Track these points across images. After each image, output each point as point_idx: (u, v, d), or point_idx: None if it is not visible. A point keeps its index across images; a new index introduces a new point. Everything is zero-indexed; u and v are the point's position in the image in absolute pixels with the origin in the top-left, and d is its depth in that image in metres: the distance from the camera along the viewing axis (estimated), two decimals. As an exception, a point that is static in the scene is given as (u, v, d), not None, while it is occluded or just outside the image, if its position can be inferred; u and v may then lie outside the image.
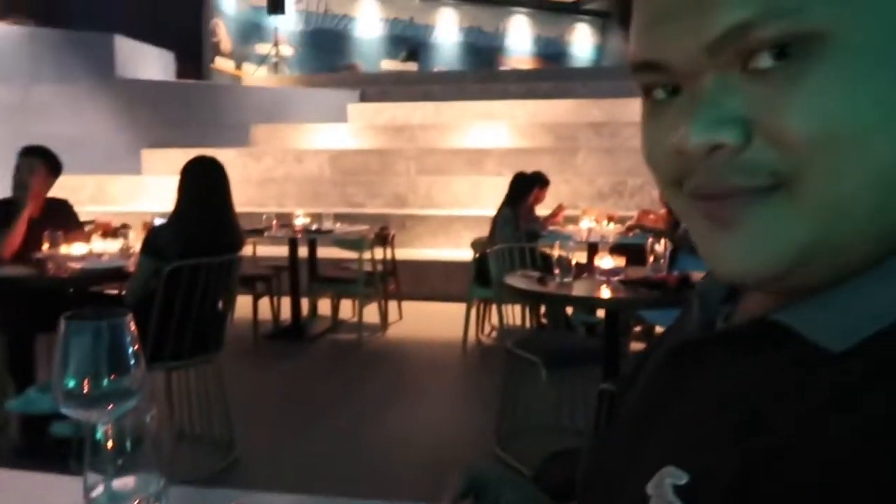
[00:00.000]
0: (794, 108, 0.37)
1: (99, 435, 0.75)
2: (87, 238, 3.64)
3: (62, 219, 3.55)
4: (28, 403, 3.08)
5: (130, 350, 0.85)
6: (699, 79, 0.40)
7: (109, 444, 0.75)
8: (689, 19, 0.39)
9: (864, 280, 0.40)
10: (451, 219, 7.30)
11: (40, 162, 3.47)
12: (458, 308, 5.03)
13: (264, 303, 5.14)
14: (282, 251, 5.44)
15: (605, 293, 2.50)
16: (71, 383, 0.82)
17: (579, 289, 2.57)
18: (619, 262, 2.67)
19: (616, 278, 2.59)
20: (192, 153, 3.32)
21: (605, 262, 2.65)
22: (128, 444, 0.76)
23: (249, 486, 2.80)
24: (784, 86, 0.37)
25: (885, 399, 0.36)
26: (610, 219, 5.16)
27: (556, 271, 2.63)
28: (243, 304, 4.37)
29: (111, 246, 3.67)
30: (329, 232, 5.20)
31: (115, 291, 3.59)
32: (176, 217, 3.01)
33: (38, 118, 8.28)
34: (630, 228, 4.72)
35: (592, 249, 4.69)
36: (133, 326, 0.85)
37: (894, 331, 0.38)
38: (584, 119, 9.55)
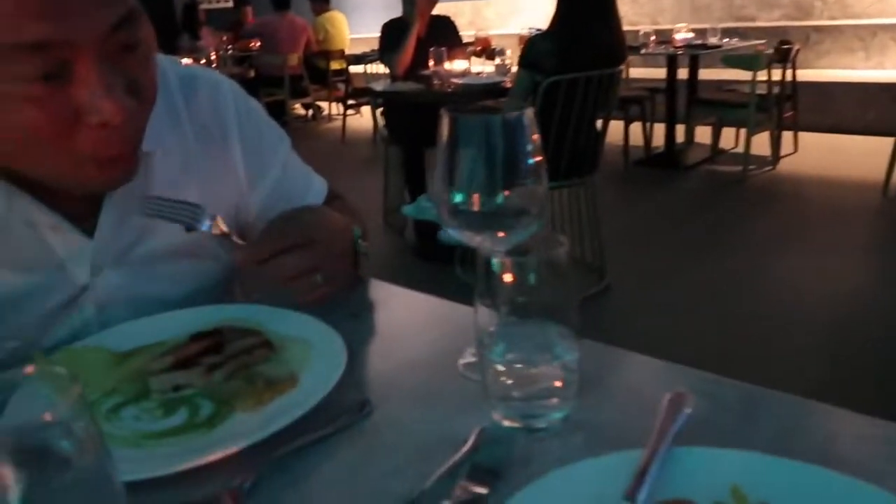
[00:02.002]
0: None
1: (495, 266, 0.54)
2: (467, 56, 3.66)
3: (445, 35, 3.59)
4: (419, 210, 3.32)
5: (530, 161, 0.62)
6: None
7: (507, 278, 0.55)
8: None
9: None
10: (874, 28, 5.80)
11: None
12: (875, 143, 4.04)
13: (636, 127, 4.79)
14: (657, 73, 4.93)
15: None
16: (457, 198, 0.63)
17: None
18: None
19: None
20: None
21: None
22: (530, 280, 0.54)
23: (619, 314, 2.69)
24: None
25: None
26: None
27: None
28: (614, 128, 4.08)
29: (489, 65, 3.66)
30: (716, 48, 4.50)
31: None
32: (555, 27, 2.76)
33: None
34: None
35: None
36: (535, 128, 0.62)
37: None
38: None
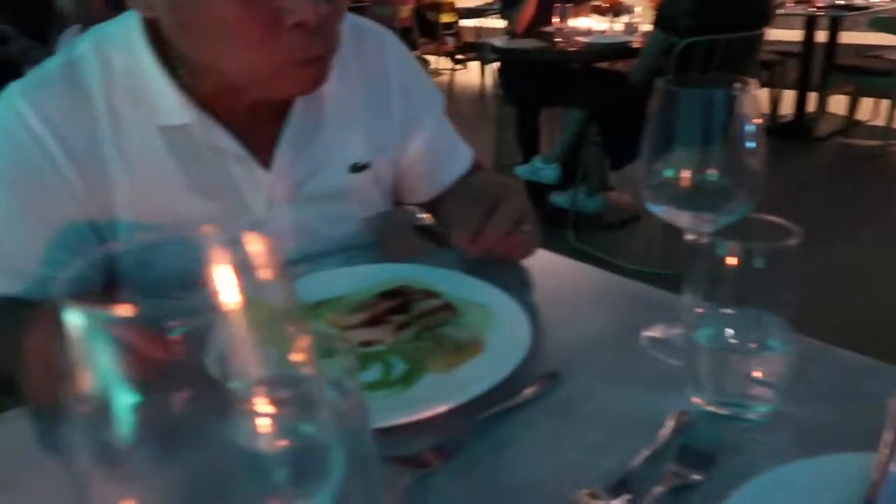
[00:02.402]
0: None
1: (719, 249, 0.52)
2: (592, 13, 3.53)
3: (571, -9, 3.47)
4: (533, 172, 3.29)
5: (749, 139, 0.59)
6: None
7: (730, 262, 0.52)
8: None
9: None
10: None
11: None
12: None
13: (762, 94, 4.51)
14: (791, 35, 4.59)
15: None
16: (667, 172, 0.61)
17: None
18: None
19: None
20: None
21: None
22: (755, 266, 0.52)
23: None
24: None
25: None
26: None
27: None
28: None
29: (616, 22, 3.52)
30: (864, 9, 4.13)
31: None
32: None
33: None
34: None
35: None
36: (758, 104, 0.59)
37: None
38: None
